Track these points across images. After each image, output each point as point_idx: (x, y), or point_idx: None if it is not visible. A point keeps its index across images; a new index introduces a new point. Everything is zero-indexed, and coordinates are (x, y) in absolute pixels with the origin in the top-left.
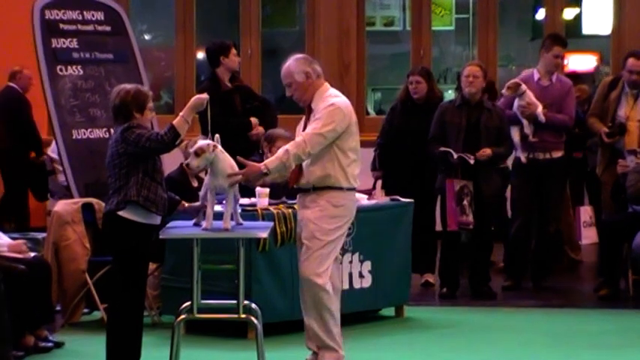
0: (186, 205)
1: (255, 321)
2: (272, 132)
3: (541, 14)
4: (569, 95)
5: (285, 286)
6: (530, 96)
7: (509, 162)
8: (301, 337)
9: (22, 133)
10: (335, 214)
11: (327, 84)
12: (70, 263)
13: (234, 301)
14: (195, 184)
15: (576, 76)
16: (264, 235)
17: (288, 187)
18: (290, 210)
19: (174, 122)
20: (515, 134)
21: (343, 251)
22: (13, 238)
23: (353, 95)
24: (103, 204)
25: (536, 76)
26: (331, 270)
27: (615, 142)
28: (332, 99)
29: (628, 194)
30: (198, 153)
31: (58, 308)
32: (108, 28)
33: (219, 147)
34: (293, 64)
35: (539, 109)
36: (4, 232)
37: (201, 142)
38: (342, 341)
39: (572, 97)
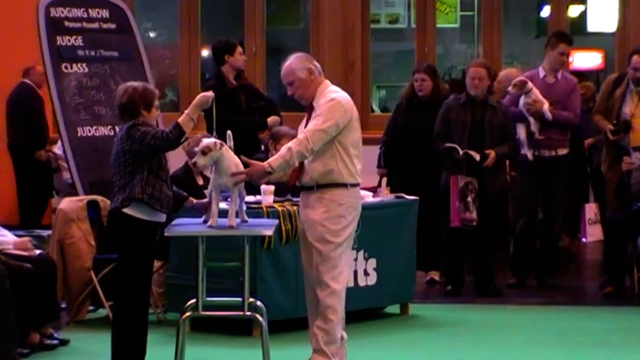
0: (195, 201)
1: (260, 318)
2: (277, 130)
3: (546, 12)
4: (574, 93)
5: (290, 284)
6: (537, 93)
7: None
8: (306, 334)
9: (33, 128)
10: (341, 213)
11: (327, 81)
12: (75, 261)
13: (239, 299)
14: (200, 182)
15: (581, 74)
16: (269, 232)
17: (289, 186)
18: (295, 207)
19: (180, 120)
20: (521, 132)
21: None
22: (19, 236)
23: (357, 93)
24: (108, 201)
25: (541, 74)
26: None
27: (620, 140)
28: (332, 94)
29: (633, 191)
30: (205, 151)
31: (64, 306)
32: (113, 26)
33: (226, 145)
34: (294, 61)
35: (546, 106)
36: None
37: (209, 141)
38: (340, 353)
39: (577, 94)
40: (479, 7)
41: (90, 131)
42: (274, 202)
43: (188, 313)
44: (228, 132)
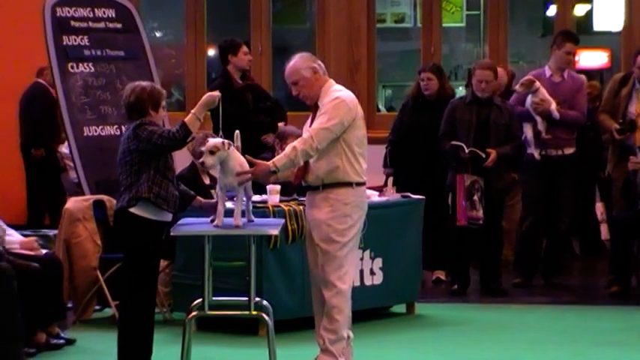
0: (203, 201)
1: (267, 318)
2: (284, 129)
3: (552, 11)
4: (581, 92)
5: (296, 283)
6: (544, 92)
7: None
8: (312, 334)
9: (44, 128)
10: (347, 213)
11: (331, 80)
12: (82, 260)
13: (245, 298)
14: (207, 181)
15: (586, 73)
16: (275, 232)
17: (293, 185)
18: (301, 207)
19: (186, 120)
20: (528, 131)
21: None
22: (25, 235)
23: (363, 92)
24: (114, 201)
25: (547, 73)
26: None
27: (626, 139)
28: (337, 93)
29: (639, 191)
30: (213, 151)
31: (70, 305)
32: (119, 26)
33: (233, 145)
34: (298, 61)
35: (553, 105)
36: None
37: (216, 140)
38: (346, 352)
39: (584, 93)
40: (485, 6)
41: (96, 131)
42: (280, 201)
43: (194, 313)
44: (237, 132)
